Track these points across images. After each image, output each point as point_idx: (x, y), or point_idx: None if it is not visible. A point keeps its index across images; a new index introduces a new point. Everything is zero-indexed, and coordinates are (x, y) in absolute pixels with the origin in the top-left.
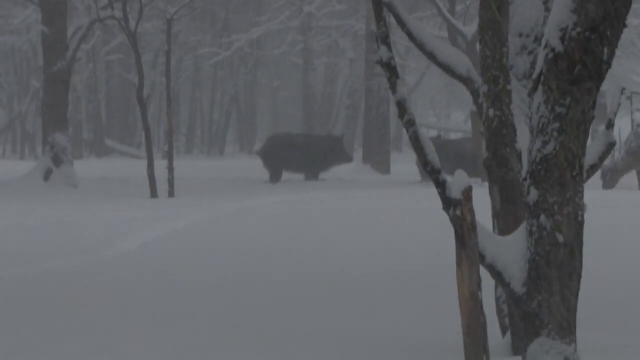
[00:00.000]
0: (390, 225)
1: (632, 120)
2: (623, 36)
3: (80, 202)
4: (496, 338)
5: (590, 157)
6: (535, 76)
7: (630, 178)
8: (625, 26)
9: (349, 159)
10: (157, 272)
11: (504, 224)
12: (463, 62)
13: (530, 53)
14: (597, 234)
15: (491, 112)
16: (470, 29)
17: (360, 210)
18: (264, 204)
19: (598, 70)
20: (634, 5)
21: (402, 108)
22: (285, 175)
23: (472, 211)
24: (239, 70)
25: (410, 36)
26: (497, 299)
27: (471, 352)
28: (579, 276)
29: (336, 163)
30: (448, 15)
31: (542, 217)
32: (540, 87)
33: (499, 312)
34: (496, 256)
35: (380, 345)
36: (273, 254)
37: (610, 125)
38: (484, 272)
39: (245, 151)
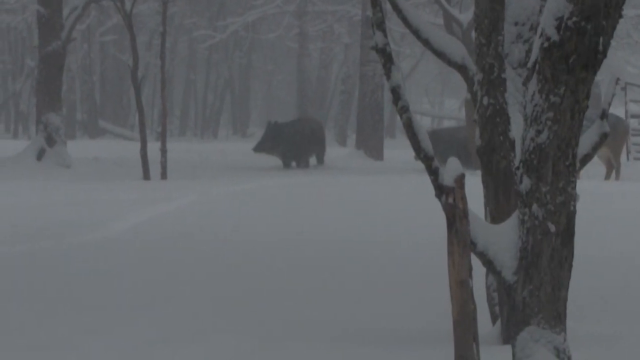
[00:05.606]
0: (383, 212)
1: (626, 111)
2: (618, 26)
3: (73, 182)
4: (486, 326)
5: (583, 147)
6: (530, 65)
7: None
8: (620, 16)
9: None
10: (147, 254)
11: (496, 212)
12: (458, 50)
13: (526, 41)
14: (589, 224)
15: (485, 100)
16: (466, 16)
17: (355, 196)
18: (256, 187)
19: (593, 60)
20: None
21: (397, 94)
22: (276, 160)
23: (464, 198)
24: (234, 54)
25: (406, 22)
26: (488, 287)
27: (461, 340)
28: (570, 266)
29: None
30: (444, 2)
31: (534, 206)
32: (535, 76)
33: (490, 300)
34: (487, 244)
35: (369, 333)
36: (264, 238)
37: (603, 115)
38: (474, 260)
39: (239, 134)
